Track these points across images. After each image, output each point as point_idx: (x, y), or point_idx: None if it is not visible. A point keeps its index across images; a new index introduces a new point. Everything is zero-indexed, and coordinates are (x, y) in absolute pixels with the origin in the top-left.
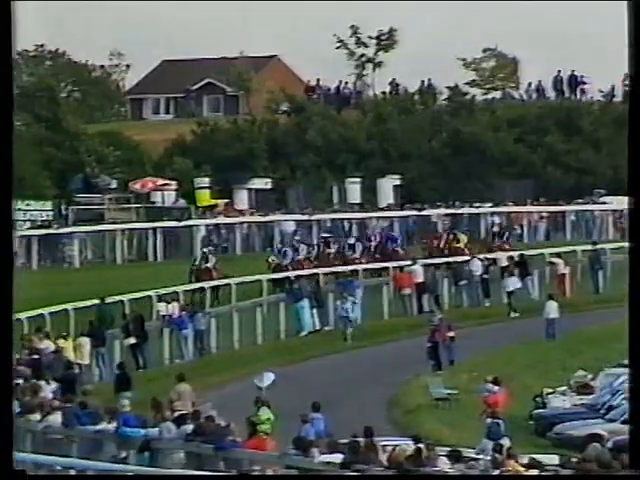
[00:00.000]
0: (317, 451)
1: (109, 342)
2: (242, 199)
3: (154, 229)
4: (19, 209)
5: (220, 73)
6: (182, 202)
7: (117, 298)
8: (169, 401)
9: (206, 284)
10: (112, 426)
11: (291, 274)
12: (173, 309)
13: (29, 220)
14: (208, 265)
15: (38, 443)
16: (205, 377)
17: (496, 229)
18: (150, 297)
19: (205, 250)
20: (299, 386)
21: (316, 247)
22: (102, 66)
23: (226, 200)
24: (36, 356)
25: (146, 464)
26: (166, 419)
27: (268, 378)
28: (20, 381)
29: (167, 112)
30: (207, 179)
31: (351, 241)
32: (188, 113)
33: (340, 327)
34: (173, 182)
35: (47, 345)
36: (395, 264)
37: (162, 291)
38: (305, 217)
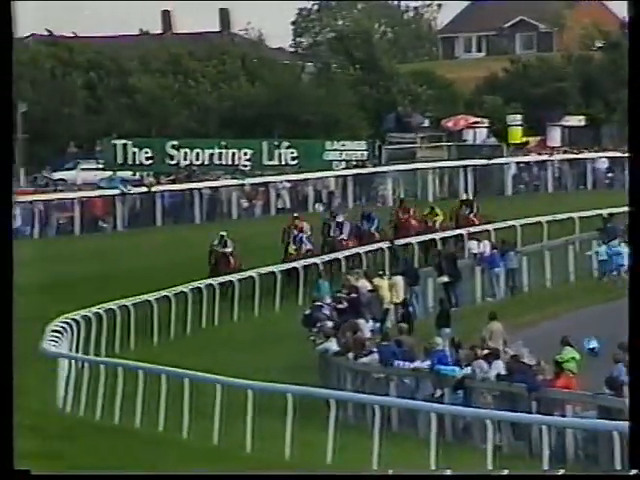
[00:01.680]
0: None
1: (422, 280)
2: (554, 136)
3: (465, 167)
4: (335, 149)
5: (534, 11)
6: (493, 140)
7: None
8: (481, 339)
9: (520, 222)
10: (427, 364)
11: (604, 212)
12: (484, 247)
13: (344, 160)
14: None
15: (357, 382)
16: (516, 316)
17: None
18: (458, 236)
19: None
20: (610, 325)
21: None
22: (415, 7)
23: (538, 138)
24: (354, 295)
25: (460, 402)
26: (479, 357)
27: (593, 342)
28: (338, 320)
29: (479, 50)
30: (519, 116)
31: None
32: (500, 50)
33: None
34: (485, 120)
35: (364, 284)
36: None
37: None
38: (618, 154)
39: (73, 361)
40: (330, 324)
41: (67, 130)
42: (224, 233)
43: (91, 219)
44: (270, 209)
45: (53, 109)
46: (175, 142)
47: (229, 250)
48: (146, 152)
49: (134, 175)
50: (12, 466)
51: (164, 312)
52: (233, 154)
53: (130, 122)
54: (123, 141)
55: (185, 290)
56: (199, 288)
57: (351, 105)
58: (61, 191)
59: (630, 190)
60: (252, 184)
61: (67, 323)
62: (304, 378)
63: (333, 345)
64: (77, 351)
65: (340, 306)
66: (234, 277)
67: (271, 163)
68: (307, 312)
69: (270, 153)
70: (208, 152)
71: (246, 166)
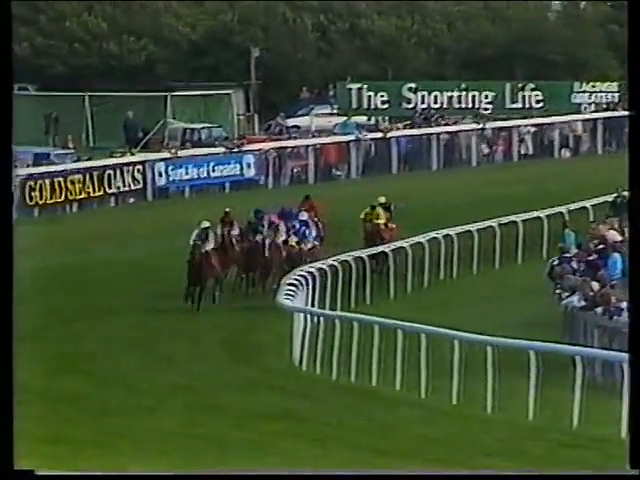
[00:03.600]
0: None
1: None
2: None
3: None
4: (584, 91)
5: None
6: None
7: None
8: None
9: None
10: None
11: None
12: None
13: (594, 103)
14: None
15: (605, 338)
16: None
17: None
18: None
19: None
20: None
21: None
22: None
23: None
24: (602, 246)
25: None
26: None
27: None
28: (585, 273)
29: None
30: None
31: None
32: None
33: None
34: None
35: (613, 235)
36: None
37: None
38: None
39: (309, 316)
40: (576, 277)
41: (299, 75)
42: None
43: (325, 167)
44: (512, 155)
45: (285, 54)
46: (412, 85)
47: None
48: (381, 96)
49: (369, 120)
50: (13, 466)
51: (400, 264)
52: (473, 97)
53: (364, 65)
54: (357, 85)
55: (422, 241)
56: (436, 238)
57: (600, 44)
58: (295, 138)
59: (630, 189)
60: (493, 128)
61: (302, 276)
62: (546, 334)
63: (579, 299)
64: (312, 305)
65: (588, 258)
66: (473, 227)
67: (514, 106)
68: (553, 263)
69: (513, 95)
70: (446, 95)
71: (487, 109)
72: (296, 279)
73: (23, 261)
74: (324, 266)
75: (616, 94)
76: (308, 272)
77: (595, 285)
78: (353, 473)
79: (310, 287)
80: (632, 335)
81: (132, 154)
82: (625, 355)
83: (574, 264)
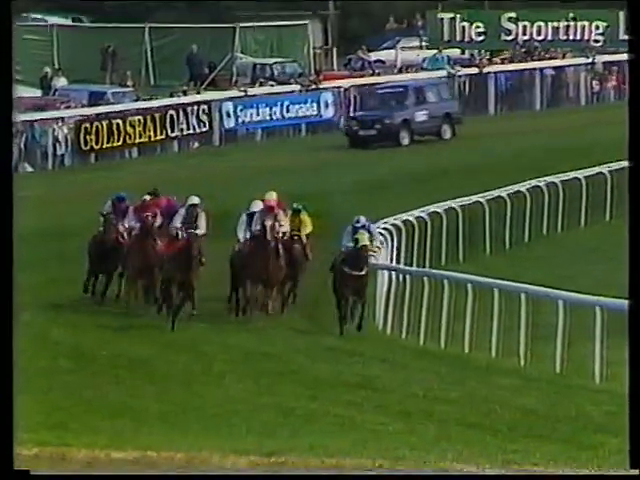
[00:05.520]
0: None
1: None
2: None
3: None
4: None
5: None
6: None
7: None
8: None
9: None
10: None
11: None
12: None
13: None
14: None
15: None
16: None
17: None
18: None
19: None
20: None
21: None
22: None
23: None
24: None
25: None
26: None
27: None
28: None
29: None
30: None
31: None
32: None
33: None
34: None
35: None
36: None
37: None
38: None
39: (394, 274)
40: None
41: (384, 3)
42: None
43: None
44: (625, 93)
45: None
46: (512, 14)
47: None
48: (477, 26)
49: (463, 54)
50: (12, 466)
51: (497, 217)
52: (582, 27)
53: None
54: (450, 14)
55: (522, 190)
56: (539, 187)
57: None
58: (379, 74)
59: (630, 189)
60: (605, 62)
61: (386, 229)
62: None
63: None
64: (397, 262)
65: None
66: (584, 173)
67: (628, 37)
68: None
69: (628, 25)
70: (552, 25)
71: (598, 41)
72: (380, 232)
73: (78, 211)
74: (411, 217)
75: None
76: (393, 225)
77: None
78: (353, 473)
79: (395, 242)
80: (632, 335)
81: (197, 93)
82: None
83: None
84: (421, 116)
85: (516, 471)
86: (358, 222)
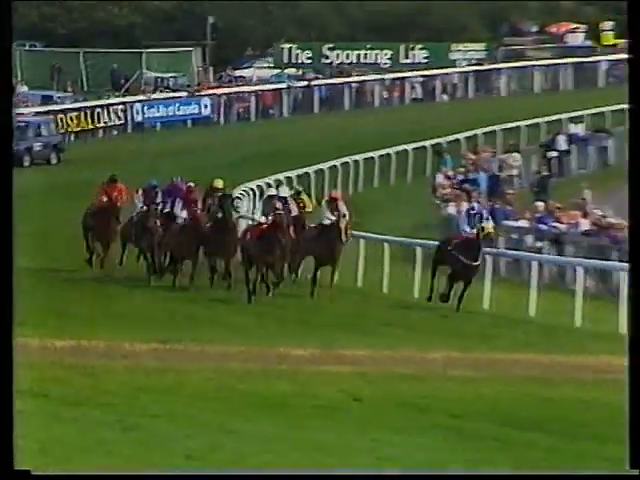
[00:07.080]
0: None
1: None
2: None
3: (565, 64)
4: (458, 50)
5: None
6: (588, 42)
7: None
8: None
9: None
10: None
11: None
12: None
13: (466, 59)
14: None
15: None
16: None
17: None
18: None
19: None
20: None
21: None
22: None
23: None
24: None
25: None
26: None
27: None
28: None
29: None
30: (611, 23)
31: None
32: None
33: None
34: (582, 26)
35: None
36: None
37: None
38: None
39: None
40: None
41: (245, 38)
42: None
43: (263, 108)
44: (405, 99)
45: (234, 21)
46: (331, 45)
47: None
48: (307, 53)
49: (297, 72)
50: (12, 466)
51: (318, 185)
52: (376, 55)
53: (294, 30)
54: (289, 45)
55: (336, 164)
56: (347, 162)
57: (474, 14)
58: (240, 85)
59: (630, 188)
60: (391, 79)
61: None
62: (429, 234)
63: (452, 209)
64: None
65: (460, 177)
66: (375, 154)
67: (406, 61)
68: (435, 181)
69: (406, 54)
70: (356, 53)
71: (386, 64)
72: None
73: (57, 177)
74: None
75: (483, 52)
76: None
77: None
78: (353, 473)
79: None
80: (632, 335)
81: (116, 97)
82: (490, 250)
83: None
84: (37, 146)
85: (518, 471)
86: (473, 209)
